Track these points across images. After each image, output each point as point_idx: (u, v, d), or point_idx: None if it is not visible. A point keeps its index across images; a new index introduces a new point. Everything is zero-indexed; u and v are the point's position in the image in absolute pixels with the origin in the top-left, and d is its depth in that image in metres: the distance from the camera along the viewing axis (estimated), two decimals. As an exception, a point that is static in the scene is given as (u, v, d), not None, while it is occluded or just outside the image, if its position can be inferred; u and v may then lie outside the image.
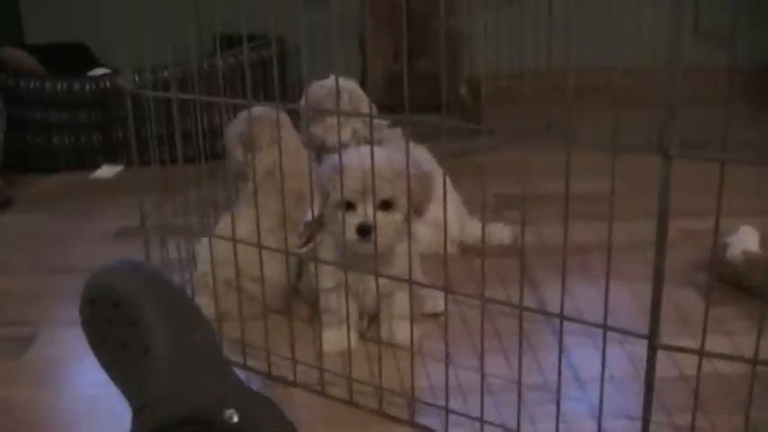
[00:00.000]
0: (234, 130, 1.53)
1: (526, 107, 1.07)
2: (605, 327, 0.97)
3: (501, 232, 1.76)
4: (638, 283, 1.51)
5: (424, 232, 1.53)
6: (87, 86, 2.48)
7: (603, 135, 0.96)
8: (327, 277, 1.32)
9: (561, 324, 1.01)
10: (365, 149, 1.20)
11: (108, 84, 2.49)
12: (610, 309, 0.96)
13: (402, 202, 1.23)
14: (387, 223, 1.23)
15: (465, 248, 1.76)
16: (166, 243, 1.42)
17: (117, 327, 0.93)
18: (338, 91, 1.17)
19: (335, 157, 1.24)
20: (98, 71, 2.76)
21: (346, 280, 1.24)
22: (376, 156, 1.15)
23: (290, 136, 1.53)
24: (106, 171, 2.51)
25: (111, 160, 2.53)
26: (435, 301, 1.47)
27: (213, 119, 2.21)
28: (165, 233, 1.42)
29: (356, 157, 1.23)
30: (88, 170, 2.51)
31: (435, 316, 1.47)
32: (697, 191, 1.25)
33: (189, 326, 0.96)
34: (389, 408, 1.20)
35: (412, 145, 1.23)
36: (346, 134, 1.68)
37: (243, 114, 1.48)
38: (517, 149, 1.12)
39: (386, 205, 1.24)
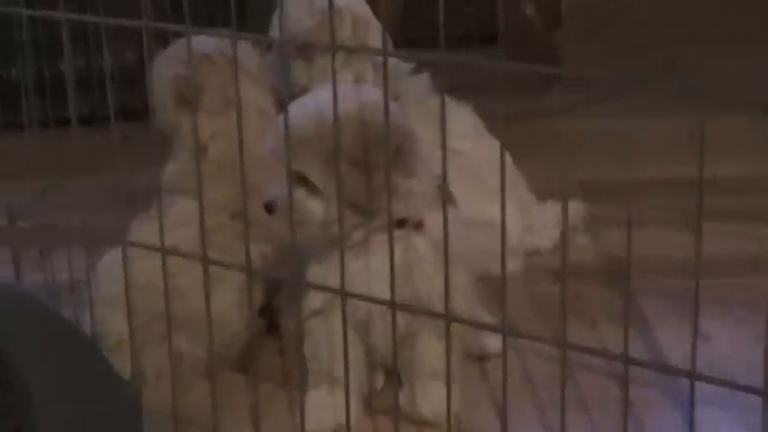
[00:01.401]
0: (164, 71, 1.45)
1: (626, 41, 0.99)
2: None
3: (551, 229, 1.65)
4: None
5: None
6: None
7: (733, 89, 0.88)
8: (314, 295, 1.25)
9: (692, 387, 0.93)
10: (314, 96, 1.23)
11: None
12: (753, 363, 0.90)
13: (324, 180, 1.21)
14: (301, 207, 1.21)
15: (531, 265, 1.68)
16: (50, 255, 1.35)
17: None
18: (332, 8, 1.08)
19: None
20: None
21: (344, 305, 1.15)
22: (310, 106, 1.18)
23: (254, 91, 1.47)
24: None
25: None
26: (485, 338, 1.42)
27: (125, 57, 2.21)
28: (48, 239, 1.35)
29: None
30: None
31: (481, 360, 1.42)
32: None
33: (92, 391, 0.95)
34: None
35: (448, 101, 1.16)
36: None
37: (177, 47, 1.40)
38: (613, 111, 1.03)
39: (303, 181, 1.22)
